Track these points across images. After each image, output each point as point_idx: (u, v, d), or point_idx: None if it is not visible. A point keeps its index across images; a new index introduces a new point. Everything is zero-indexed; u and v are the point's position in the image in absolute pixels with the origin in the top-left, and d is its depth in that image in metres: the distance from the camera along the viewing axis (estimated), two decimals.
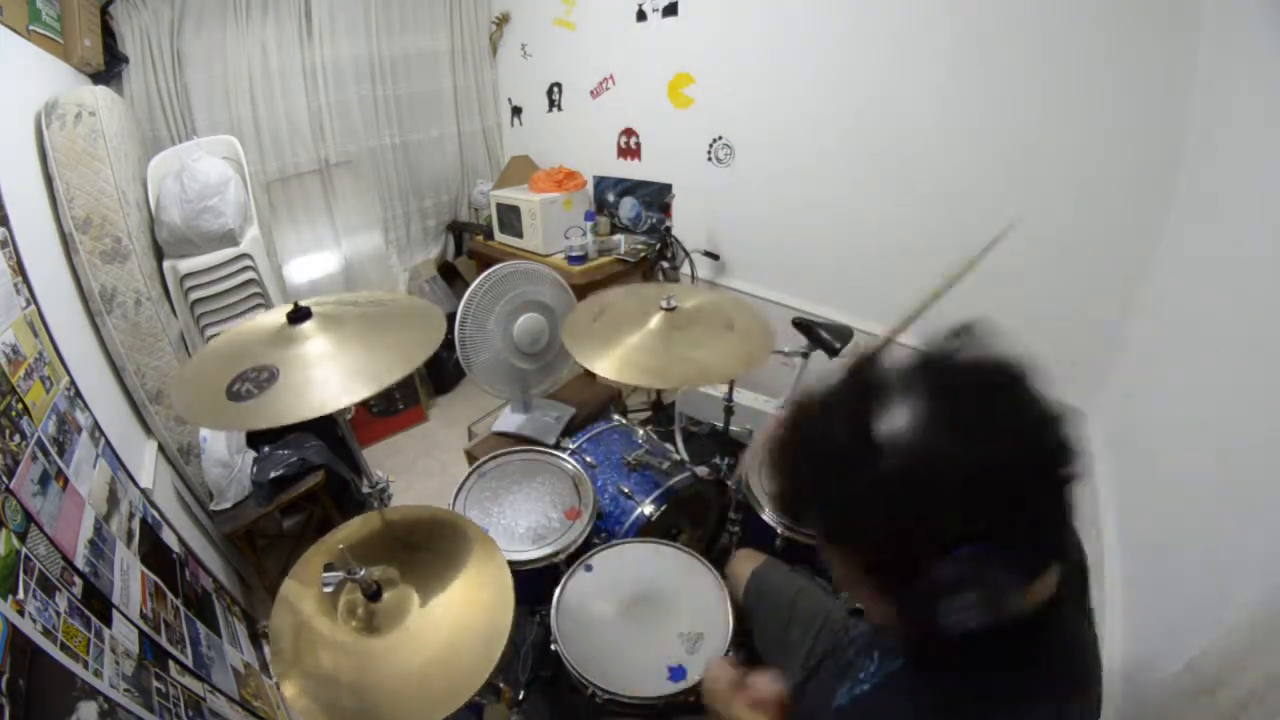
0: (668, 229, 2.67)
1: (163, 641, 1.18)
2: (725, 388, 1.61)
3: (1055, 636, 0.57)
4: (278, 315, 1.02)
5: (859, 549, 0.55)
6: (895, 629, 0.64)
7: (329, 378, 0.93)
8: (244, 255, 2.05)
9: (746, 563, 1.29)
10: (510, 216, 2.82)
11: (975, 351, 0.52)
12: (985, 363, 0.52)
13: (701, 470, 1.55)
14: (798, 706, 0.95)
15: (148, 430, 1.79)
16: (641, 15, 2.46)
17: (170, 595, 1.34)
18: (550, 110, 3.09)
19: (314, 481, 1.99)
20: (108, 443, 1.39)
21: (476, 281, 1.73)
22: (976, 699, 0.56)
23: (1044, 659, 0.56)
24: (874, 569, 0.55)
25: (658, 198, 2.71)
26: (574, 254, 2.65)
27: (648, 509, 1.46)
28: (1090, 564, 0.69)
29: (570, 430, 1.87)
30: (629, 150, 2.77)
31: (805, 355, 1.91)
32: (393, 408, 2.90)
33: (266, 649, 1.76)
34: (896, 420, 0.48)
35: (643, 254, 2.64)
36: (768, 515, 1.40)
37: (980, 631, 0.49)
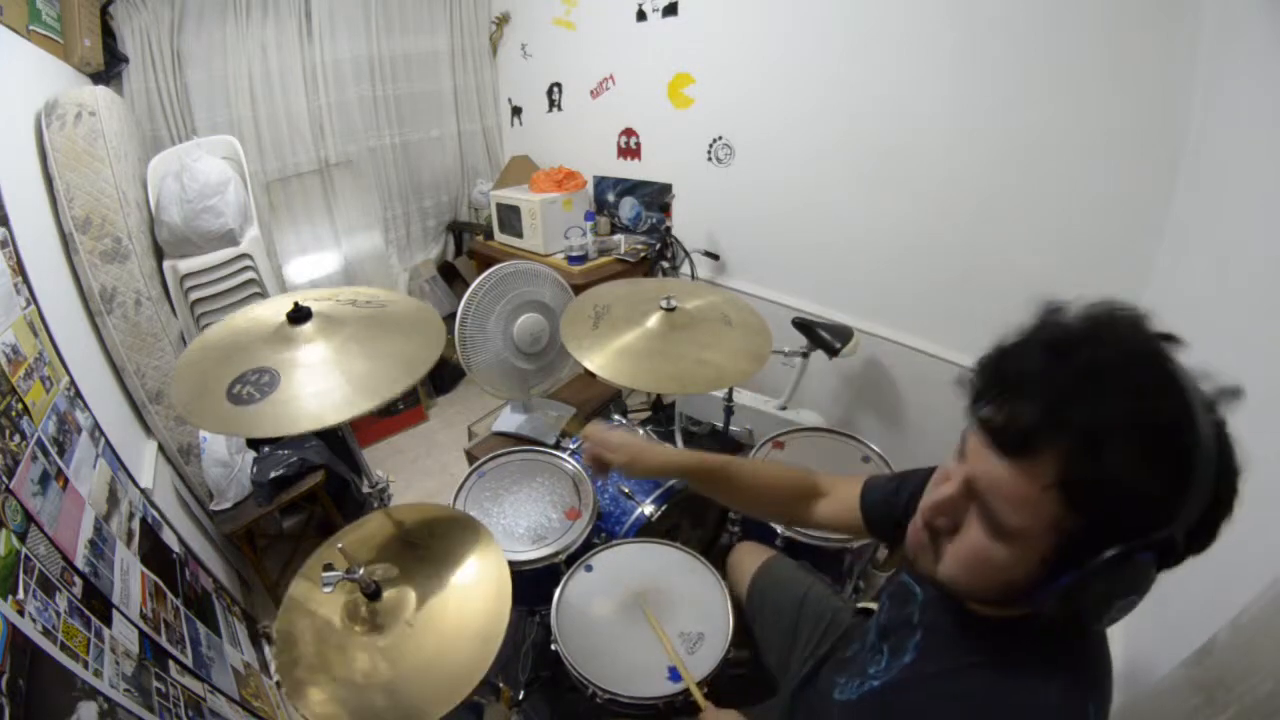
0: (668, 229, 2.67)
1: (163, 641, 1.18)
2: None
3: (1095, 643, 0.59)
4: (277, 311, 1.02)
5: (1089, 490, 0.47)
6: (979, 601, 0.60)
7: (330, 389, 0.92)
8: (244, 255, 2.05)
9: (751, 556, 1.28)
10: (510, 216, 2.82)
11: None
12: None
13: None
14: (801, 702, 0.95)
15: (148, 430, 1.79)
16: (641, 15, 2.47)
17: (170, 595, 1.34)
18: (550, 110, 3.09)
19: (314, 481, 1.99)
20: (108, 443, 1.39)
21: (477, 281, 1.73)
22: (1007, 698, 0.56)
23: (1080, 662, 0.57)
24: (1069, 526, 0.49)
25: (658, 198, 2.71)
26: (574, 254, 2.65)
27: (648, 509, 1.46)
28: None
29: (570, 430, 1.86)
30: (629, 150, 2.77)
31: (805, 355, 1.91)
32: (393, 408, 2.89)
33: (267, 649, 1.76)
34: (1201, 381, 0.49)
35: (643, 254, 2.64)
36: None
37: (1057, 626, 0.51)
